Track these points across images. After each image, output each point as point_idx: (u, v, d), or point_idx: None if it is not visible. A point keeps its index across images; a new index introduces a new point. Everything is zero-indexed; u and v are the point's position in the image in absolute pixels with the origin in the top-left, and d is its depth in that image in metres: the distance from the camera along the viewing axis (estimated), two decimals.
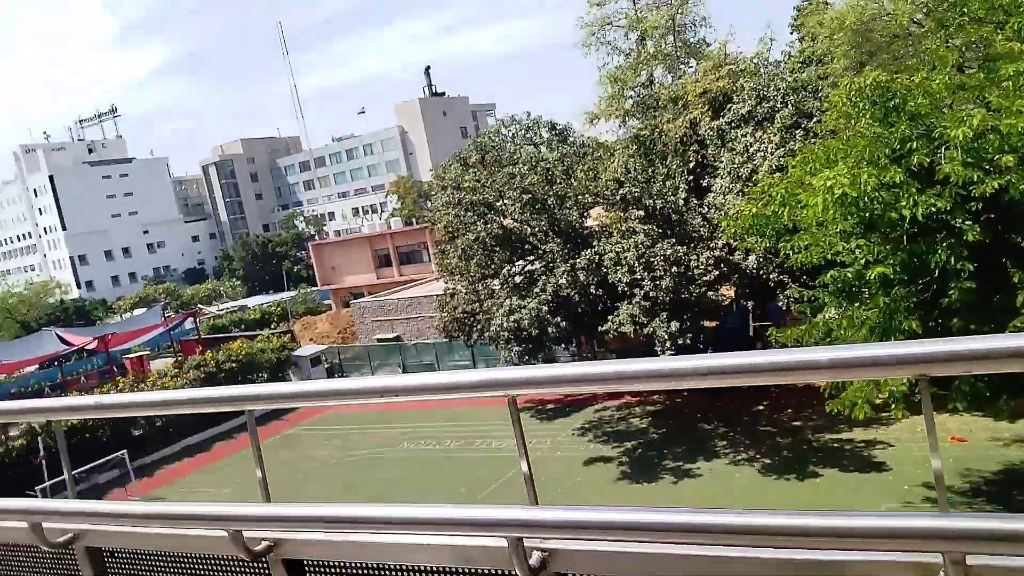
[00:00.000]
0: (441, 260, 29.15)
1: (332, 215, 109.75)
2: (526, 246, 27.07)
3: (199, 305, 65.70)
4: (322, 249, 65.61)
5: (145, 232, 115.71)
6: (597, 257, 22.90)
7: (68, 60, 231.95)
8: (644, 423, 28.51)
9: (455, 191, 24.92)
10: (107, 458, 29.48)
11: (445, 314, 30.05)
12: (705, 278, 22.30)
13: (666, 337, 21.46)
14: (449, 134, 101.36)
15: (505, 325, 22.69)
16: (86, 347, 38.30)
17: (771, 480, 22.15)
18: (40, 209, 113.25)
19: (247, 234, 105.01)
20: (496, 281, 28.08)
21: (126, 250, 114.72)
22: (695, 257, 21.82)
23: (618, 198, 23.89)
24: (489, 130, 26.94)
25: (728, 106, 24.88)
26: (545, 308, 22.22)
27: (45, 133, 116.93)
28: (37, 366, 40.59)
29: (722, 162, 25.36)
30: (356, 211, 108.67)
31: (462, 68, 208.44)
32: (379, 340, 43.92)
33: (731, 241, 25.25)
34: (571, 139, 25.73)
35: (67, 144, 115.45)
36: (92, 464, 29.34)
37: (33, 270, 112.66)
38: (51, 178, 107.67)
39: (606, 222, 29.16)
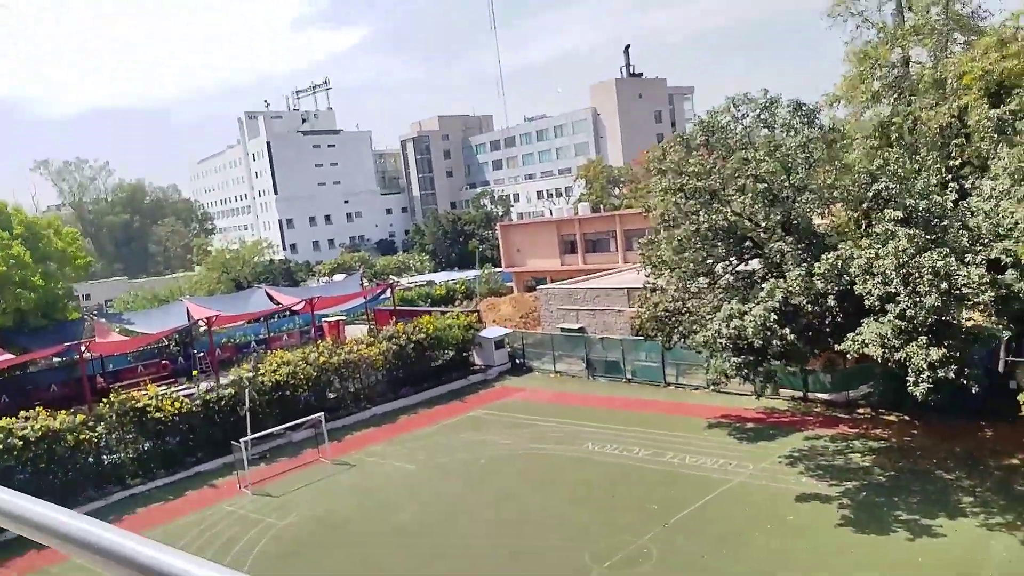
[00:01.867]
0: (646, 251, 26.94)
1: (517, 197, 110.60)
2: (746, 243, 24.21)
3: (391, 276, 68.00)
4: (509, 230, 65.49)
5: (346, 202, 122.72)
6: (840, 262, 19.73)
7: (284, 32, 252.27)
8: (867, 461, 24.81)
9: (676, 176, 22.60)
10: (305, 419, 30.32)
11: (644, 310, 27.86)
12: (977, 299, 18.47)
13: (923, 367, 17.97)
14: (643, 117, 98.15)
15: (724, 331, 20.17)
16: (292, 308, 40.22)
17: None
18: (257, 173, 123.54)
19: (436, 210, 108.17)
20: (703, 280, 25.46)
21: (328, 217, 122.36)
22: (965, 273, 18.07)
23: (870, 194, 20.45)
24: (716, 108, 24.22)
25: (1016, 91, 20.54)
26: (773, 316, 19.44)
27: (266, 102, 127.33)
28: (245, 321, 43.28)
29: (1001, 159, 21.07)
30: (540, 194, 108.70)
31: (659, 47, 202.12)
32: (563, 329, 42.60)
33: (1001, 256, 21.04)
34: (817, 122, 22.46)
35: (284, 113, 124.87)
36: (290, 423, 30.32)
37: (246, 229, 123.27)
38: (268, 144, 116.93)
39: (838, 221, 25.59)
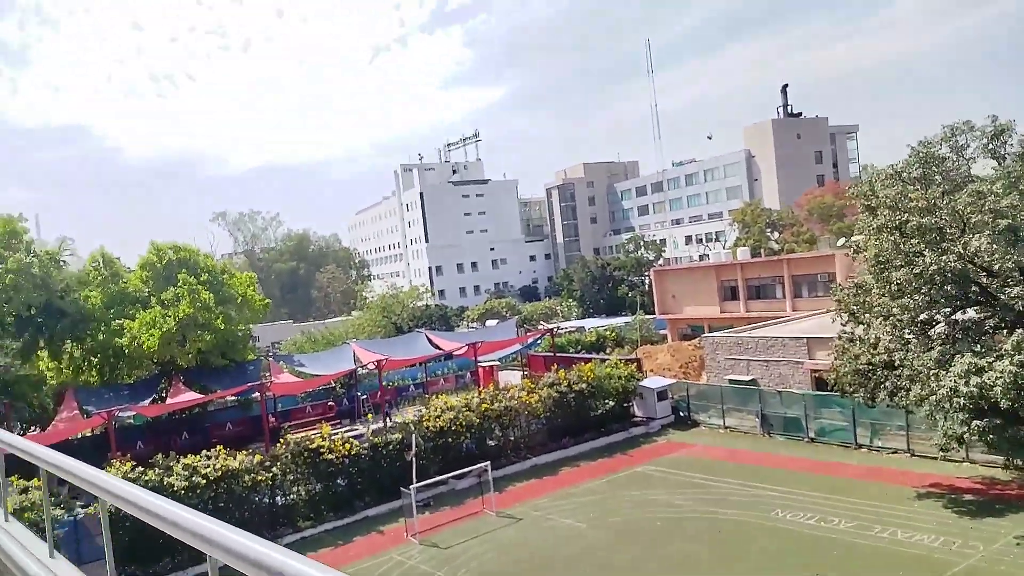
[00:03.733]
0: (846, 296, 24.22)
1: (664, 242, 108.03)
2: (972, 288, 21.06)
3: (541, 321, 67.37)
4: (663, 275, 63.23)
5: (491, 249, 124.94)
6: None
7: (433, 92, 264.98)
8: None
9: (893, 212, 20.03)
10: (471, 468, 29.53)
11: (842, 363, 24.98)
12: None
13: None
14: (802, 158, 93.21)
15: (962, 389, 17.29)
16: (455, 352, 40.16)
17: None
18: (410, 222, 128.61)
19: (580, 256, 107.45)
20: (919, 330, 22.39)
21: (474, 264, 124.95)
22: None
23: None
24: (931, 139, 21.47)
25: None
26: None
27: (419, 155, 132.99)
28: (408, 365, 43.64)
29: None
30: (689, 239, 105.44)
31: (817, 90, 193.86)
32: (731, 381, 39.73)
33: None
34: None
35: (436, 165, 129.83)
36: (457, 472, 29.63)
37: (398, 276, 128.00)
38: (421, 194, 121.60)
39: None
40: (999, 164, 20.40)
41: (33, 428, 36.80)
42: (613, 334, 63.96)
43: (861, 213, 22.57)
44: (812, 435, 34.63)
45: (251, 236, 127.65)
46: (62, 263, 37.36)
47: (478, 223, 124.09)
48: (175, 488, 25.65)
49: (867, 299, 22.35)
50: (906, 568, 20.81)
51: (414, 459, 30.20)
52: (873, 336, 24.22)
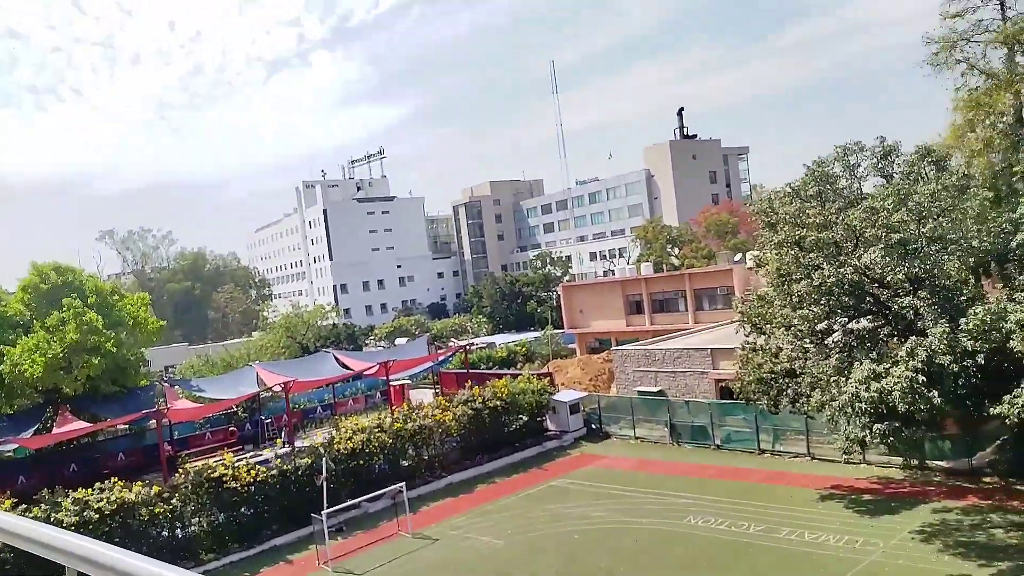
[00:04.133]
0: (749, 308, 25.22)
1: (568, 259, 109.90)
2: (867, 299, 22.35)
3: (451, 339, 66.94)
4: (571, 291, 64.19)
5: (398, 266, 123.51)
6: (989, 318, 17.81)
7: (334, 109, 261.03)
8: (1013, 537, 22.14)
9: (793, 228, 21.05)
10: (385, 489, 28.78)
11: (745, 372, 25.96)
12: None
13: None
14: (697, 178, 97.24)
15: (863, 394, 18.24)
16: (366, 372, 39.17)
17: None
18: (312, 240, 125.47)
19: (487, 273, 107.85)
20: (816, 339, 23.56)
21: (380, 282, 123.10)
22: None
23: (1013, 245, 18.64)
24: (825, 159, 22.77)
25: None
26: (921, 377, 17.49)
27: (323, 171, 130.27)
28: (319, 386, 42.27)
29: None
30: (594, 255, 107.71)
31: (710, 112, 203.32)
32: (640, 392, 40.62)
33: None
34: (949, 169, 20.86)
35: (340, 182, 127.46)
36: (370, 495, 28.81)
37: (300, 295, 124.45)
38: (324, 212, 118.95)
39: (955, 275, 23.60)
40: (887, 182, 21.83)
41: None
42: (523, 349, 64.28)
43: (762, 229, 23.61)
44: (718, 442, 35.77)
45: (141, 255, 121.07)
46: None
47: (384, 240, 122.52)
48: (64, 524, 23.67)
49: (769, 311, 23.35)
50: (814, 568, 21.69)
51: (324, 483, 29.18)
52: (774, 346, 25.30)
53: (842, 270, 19.92)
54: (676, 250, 73.80)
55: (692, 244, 70.39)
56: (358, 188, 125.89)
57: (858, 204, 20.90)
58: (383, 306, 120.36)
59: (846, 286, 20.13)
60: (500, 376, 41.28)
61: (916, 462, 28.97)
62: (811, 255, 20.66)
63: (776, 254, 21.95)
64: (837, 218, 20.51)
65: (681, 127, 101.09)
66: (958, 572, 20.30)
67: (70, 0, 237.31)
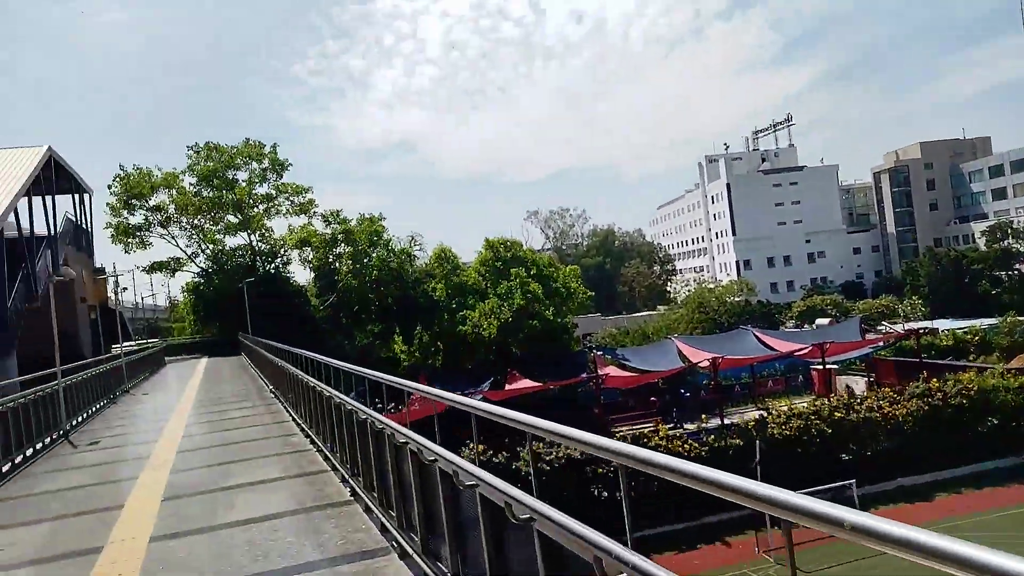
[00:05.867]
0: None
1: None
2: None
3: (883, 323, 59.54)
4: None
5: (807, 241, 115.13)
6: None
7: (739, 76, 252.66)
8: None
9: None
10: (832, 484, 26.05)
11: None
12: None
13: None
14: None
15: None
16: (796, 352, 36.45)
17: None
18: (715, 215, 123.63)
19: (927, 248, 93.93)
20: None
21: (787, 258, 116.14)
22: None
23: None
24: None
25: None
26: None
27: (725, 144, 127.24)
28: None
29: None
30: None
31: None
32: None
33: None
34: None
35: (744, 154, 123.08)
36: (814, 488, 26.30)
37: (701, 271, 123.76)
38: (728, 186, 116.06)
39: None
40: None
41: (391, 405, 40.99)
42: (976, 338, 54.14)
43: None
44: None
45: (560, 233, 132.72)
46: (414, 257, 40.98)
47: (791, 214, 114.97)
48: (523, 475, 26.04)
49: None
50: None
51: (758, 467, 27.52)
52: None
53: None
54: None
55: None
56: (763, 159, 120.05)
57: None
58: (789, 284, 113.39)
59: None
60: (963, 369, 34.74)
61: None
62: None
63: None
64: None
65: None
66: None
67: (496, 7, 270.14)
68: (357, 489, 9.15)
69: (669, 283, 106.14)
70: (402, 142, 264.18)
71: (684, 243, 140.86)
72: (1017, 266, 69.32)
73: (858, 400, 31.08)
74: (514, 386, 34.88)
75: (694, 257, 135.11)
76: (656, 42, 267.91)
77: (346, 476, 9.90)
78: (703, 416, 32.03)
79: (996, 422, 32.16)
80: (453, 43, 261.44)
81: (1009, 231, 74.81)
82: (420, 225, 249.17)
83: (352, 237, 41.93)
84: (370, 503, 8.42)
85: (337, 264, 44.49)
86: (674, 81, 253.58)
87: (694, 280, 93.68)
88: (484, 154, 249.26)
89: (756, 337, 41.48)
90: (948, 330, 56.95)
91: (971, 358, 49.19)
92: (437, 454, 5.74)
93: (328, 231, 44.61)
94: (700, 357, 34.58)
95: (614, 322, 75.91)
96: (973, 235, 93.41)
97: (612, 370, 38.08)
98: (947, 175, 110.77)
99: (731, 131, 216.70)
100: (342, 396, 10.31)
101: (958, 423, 31.17)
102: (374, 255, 40.85)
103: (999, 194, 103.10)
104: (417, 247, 43.48)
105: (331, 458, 11.22)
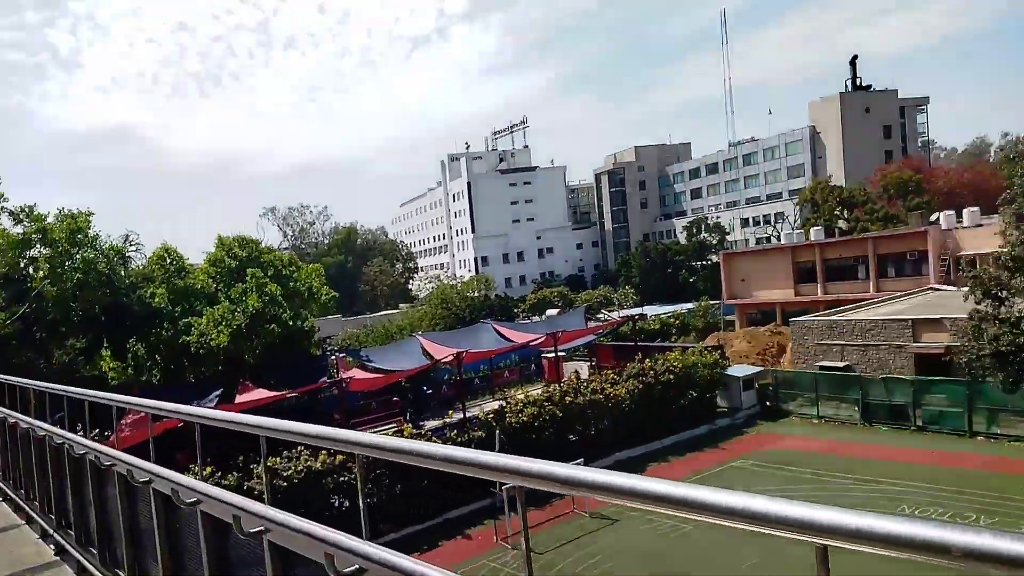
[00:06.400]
0: (984, 272, 21.78)
1: (717, 226, 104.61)
2: None
3: (603, 311, 65.31)
4: (732, 259, 60.59)
5: (538, 238, 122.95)
6: None
7: (480, 79, 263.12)
8: None
9: None
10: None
11: (981, 345, 22.54)
12: None
13: None
14: (870, 134, 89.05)
15: None
16: (532, 343, 38.39)
17: None
18: (456, 213, 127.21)
19: (638, 243, 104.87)
20: None
21: (520, 254, 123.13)
22: None
23: None
24: None
25: None
26: None
27: (467, 144, 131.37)
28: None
29: None
30: (746, 222, 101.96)
31: (884, 61, 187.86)
32: (822, 367, 37.25)
33: None
34: None
35: (483, 154, 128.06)
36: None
37: (442, 268, 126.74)
38: (468, 185, 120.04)
39: None
40: None
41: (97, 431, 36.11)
42: (677, 321, 61.64)
43: (1017, 179, 20.14)
44: (920, 423, 32.16)
45: (299, 231, 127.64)
46: (129, 259, 36.48)
47: (525, 211, 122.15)
48: (256, 493, 24.30)
49: (1019, 275, 19.94)
50: None
51: None
52: (1014, 315, 21.82)
53: None
54: (846, 213, 67.94)
55: (866, 206, 64.44)
56: (500, 159, 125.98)
57: None
58: (522, 278, 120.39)
59: None
60: (669, 349, 39.19)
61: None
62: None
63: None
64: None
65: (854, 78, 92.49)
66: None
67: None
68: (66, 545, 7.56)
69: (412, 281, 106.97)
70: (119, 131, 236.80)
71: (426, 240, 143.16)
72: (710, 256, 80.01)
73: (584, 383, 33.60)
74: (246, 397, 32.54)
75: (436, 254, 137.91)
76: (401, 39, 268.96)
77: (48, 529, 8.22)
78: (449, 412, 32.54)
79: (695, 395, 36.73)
80: (182, 23, 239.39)
81: (703, 226, 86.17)
82: (142, 225, 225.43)
83: (50, 237, 36.26)
84: (84, 561, 6.99)
85: (31, 269, 38.23)
86: (418, 79, 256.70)
87: (436, 277, 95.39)
88: (217, 146, 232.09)
89: (496, 330, 43.10)
90: (656, 315, 64.16)
91: (673, 339, 55.94)
92: (152, 473, 5.00)
93: (19, 231, 38.16)
94: (444, 353, 35.06)
95: (357, 322, 74.66)
96: (675, 230, 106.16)
97: (356, 372, 37.18)
98: (656, 176, 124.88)
99: (473, 131, 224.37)
100: (30, 420, 8.54)
101: (666, 398, 35.08)
102: (78, 257, 35.62)
103: (696, 193, 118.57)
104: (132, 247, 38.67)
105: (26, 507, 9.26)
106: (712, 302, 66.06)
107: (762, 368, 39.95)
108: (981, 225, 44.47)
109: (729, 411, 37.92)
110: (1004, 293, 22.11)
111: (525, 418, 30.27)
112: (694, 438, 35.23)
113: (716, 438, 35.15)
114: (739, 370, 38.66)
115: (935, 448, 29.84)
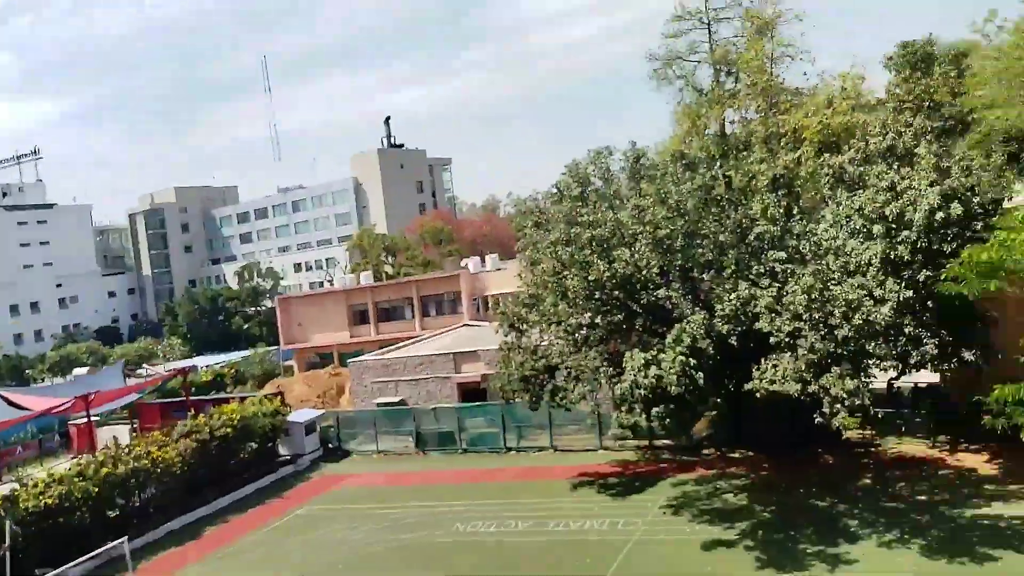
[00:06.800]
0: (511, 308, 25.39)
1: (270, 271, 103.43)
2: (636, 291, 23.51)
3: (144, 365, 58.57)
4: (289, 303, 60.20)
5: (58, 285, 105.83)
6: (740, 303, 19.81)
7: None
8: (742, 499, 25.03)
9: (568, 226, 21.48)
10: (102, 548, 23.46)
11: (510, 371, 26.10)
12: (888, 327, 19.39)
13: (844, 396, 18.36)
14: (405, 187, 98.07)
15: (641, 381, 19.05)
16: (55, 410, 31.77)
17: (945, 565, 18.97)
18: None
19: (185, 288, 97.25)
20: (576, 336, 24.46)
21: (34, 304, 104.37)
22: (871, 303, 18.93)
23: (751, 237, 21.12)
24: (580, 161, 23.82)
25: (852, 142, 22.85)
26: (692, 360, 18.81)
27: None
28: None
29: (840, 202, 23.07)
30: (298, 267, 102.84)
31: (415, 122, 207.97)
32: (380, 404, 39.09)
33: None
34: (702, 170, 22.94)
35: None
36: (80, 560, 23.27)
37: None
38: None
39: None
40: (634, 183, 23.49)
41: None
42: (231, 371, 58.61)
43: (529, 229, 23.89)
44: (465, 446, 35.72)
45: None
46: None
47: (40, 255, 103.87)
48: None
49: (535, 311, 23.64)
50: (590, 553, 22.23)
51: (7, 554, 23.11)
52: (532, 344, 25.84)
53: (614, 265, 20.86)
54: (391, 258, 73.30)
55: (407, 252, 70.51)
56: (4, 194, 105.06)
57: (618, 205, 22.18)
58: (37, 333, 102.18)
59: (618, 280, 21.11)
60: (226, 401, 36.67)
61: (646, 443, 31.69)
62: (584, 252, 21.32)
63: (550, 252, 22.27)
64: (607, 216, 21.47)
65: (389, 135, 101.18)
66: (709, 537, 22.24)
67: None
68: None
69: None
70: None
71: None
72: (264, 302, 78.21)
73: (125, 449, 29.29)
74: None
75: None
76: None
77: None
78: None
79: (255, 446, 34.97)
80: None
81: (256, 271, 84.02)
82: None
83: None
84: None
85: None
86: None
87: None
88: None
89: (4, 398, 35.19)
90: (208, 366, 60.03)
91: (229, 390, 52.90)
92: None
93: None
94: None
95: None
96: (225, 275, 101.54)
97: None
98: (201, 220, 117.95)
99: None
100: None
101: (225, 454, 32.63)
102: None
103: (247, 238, 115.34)
104: None
105: None
106: (270, 348, 64.57)
107: (324, 411, 40.08)
108: (500, 269, 52.19)
109: (292, 458, 36.98)
110: (524, 326, 25.99)
111: (49, 500, 25.01)
112: (257, 491, 33.41)
113: (280, 488, 33.90)
114: (301, 415, 38.13)
115: (478, 467, 33.36)
